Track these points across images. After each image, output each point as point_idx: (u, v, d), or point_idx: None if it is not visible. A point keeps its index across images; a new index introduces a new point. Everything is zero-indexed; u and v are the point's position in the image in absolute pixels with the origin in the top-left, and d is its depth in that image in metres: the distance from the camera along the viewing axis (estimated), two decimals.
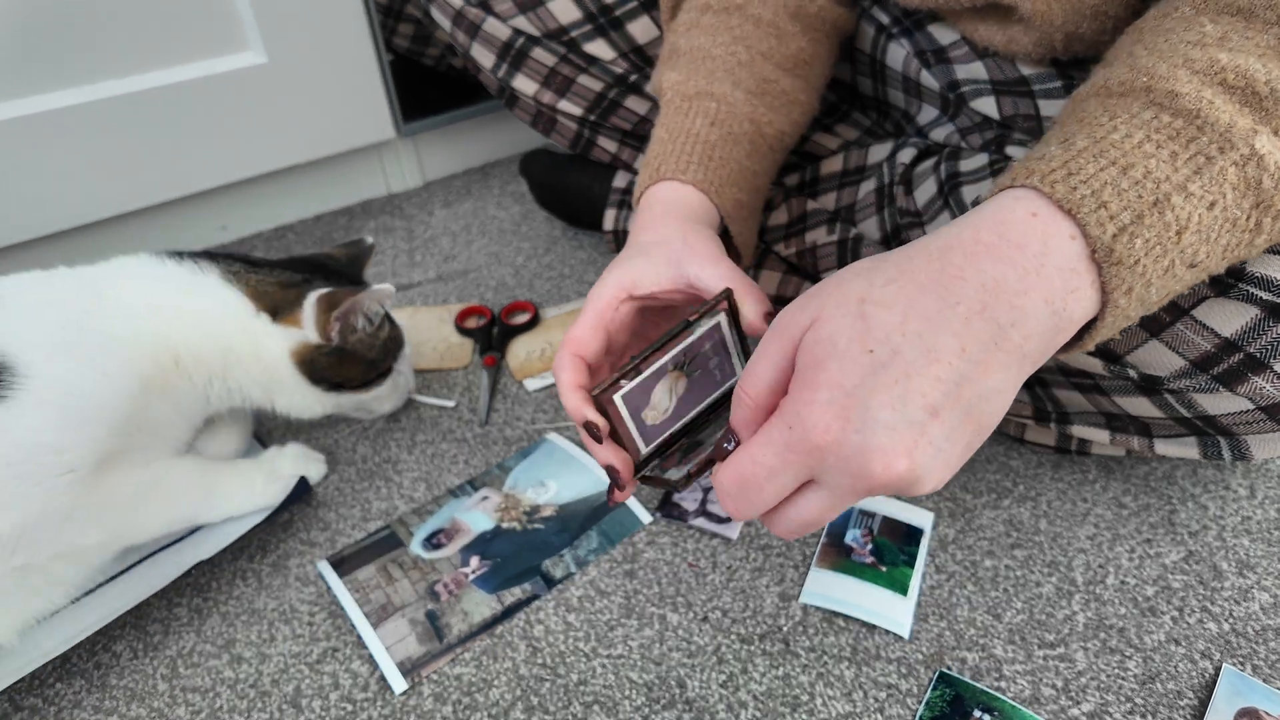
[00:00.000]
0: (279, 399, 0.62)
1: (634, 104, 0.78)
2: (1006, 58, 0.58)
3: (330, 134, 1.00)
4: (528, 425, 0.72)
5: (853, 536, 0.58)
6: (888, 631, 0.53)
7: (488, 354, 0.78)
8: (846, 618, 0.54)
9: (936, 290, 0.32)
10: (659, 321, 0.49)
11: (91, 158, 0.86)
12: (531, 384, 0.76)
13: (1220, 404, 0.45)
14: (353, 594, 0.57)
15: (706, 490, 0.63)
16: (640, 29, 0.74)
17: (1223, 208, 0.33)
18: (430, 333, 0.83)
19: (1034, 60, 0.56)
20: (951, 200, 0.60)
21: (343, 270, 0.67)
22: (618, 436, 0.41)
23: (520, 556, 0.59)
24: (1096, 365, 0.48)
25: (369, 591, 0.57)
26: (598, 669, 0.52)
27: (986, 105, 0.59)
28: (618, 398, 0.40)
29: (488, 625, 0.55)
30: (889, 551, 0.57)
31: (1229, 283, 0.40)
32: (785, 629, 0.53)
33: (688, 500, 0.62)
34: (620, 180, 0.87)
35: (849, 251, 0.68)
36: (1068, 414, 0.57)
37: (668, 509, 0.62)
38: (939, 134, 0.66)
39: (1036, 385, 0.56)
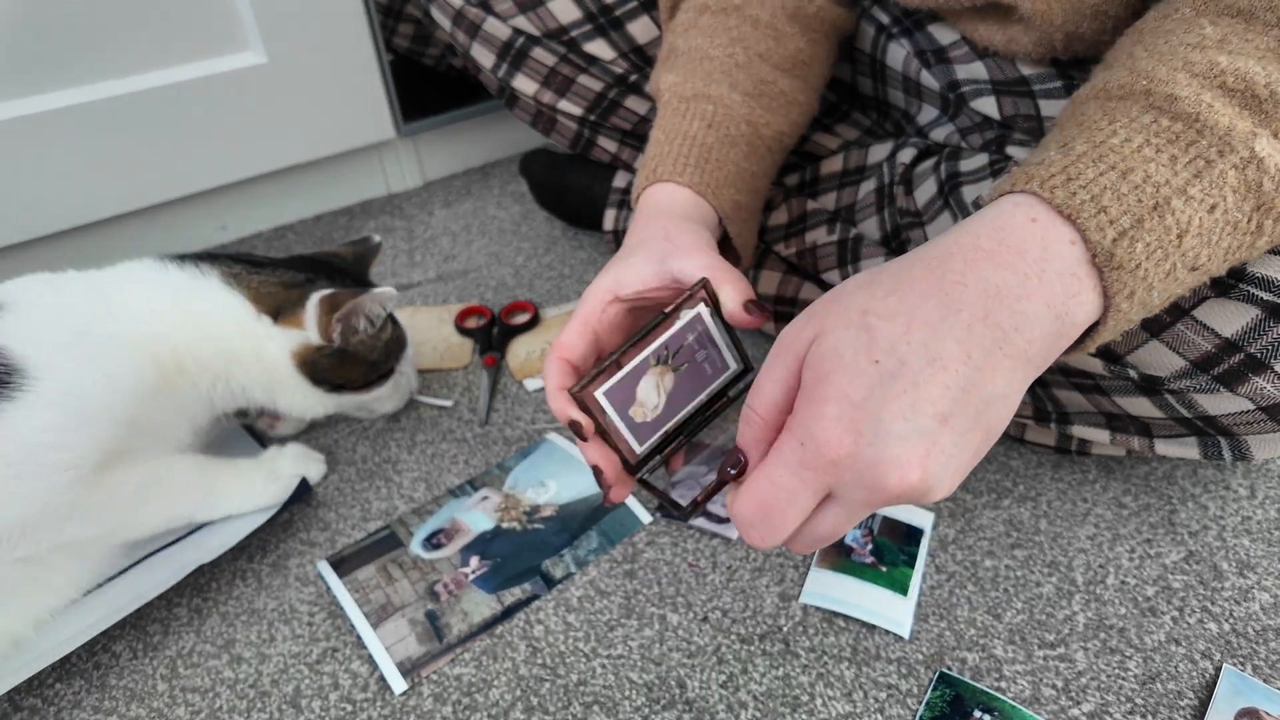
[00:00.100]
0: (281, 400, 0.62)
1: (634, 104, 0.78)
2: (1006, 58, 0.58)
3: (330, 134, 1.00)
4: (528, 425, 0.72)
5: (853, 536, 0.58)
6: (888, 632, 0.53)
7: (488, 354, 0.78)
8: (846, 618, 0.54)
9: (938, 298, 0.32)
10: None
11: (91, 158, 0.86)
12: (531, 384, 0.76)
13: (1221, 404, 0.45)
14: (352, 594, 0.57)
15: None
16: (640, 29, 0.74)
17: (1223, 210, 0.33)
18: (430, 333, 0.83)
19: (1034, 60, 0.56)
20: (952, 200, 0.60)
21: (348, 269, 0.67)
22: (608, 437, 0.41)
23: (520, 556, 0.59)
24: (1097, 365, 0.48)
25: (369, 591, 0.57)
26: (598, 669, 0.52)
27: (987, 105, 0.59)
28: (599, 395, 0.39)
29: (488, 625, 0.55)
30: (889, 551, 0.57)
31: (1229, 283, 0.40)
32: (785, 629, 0.53)
33: (687, 499, 0.62)
34: (620, 180, 0.87)
35: (849, 251, 0.68)
36: (1068, 414, 0.57)
37: (667, 509, 0.62)
38: (939, 134, 0.66)
39: (1037, 385, 0.56)
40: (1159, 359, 0.44)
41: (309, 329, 0.60)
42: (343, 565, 0.59)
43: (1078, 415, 0.57)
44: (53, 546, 0.50)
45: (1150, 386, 0.47)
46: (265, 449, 0.65)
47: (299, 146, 0.99)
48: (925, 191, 0.63)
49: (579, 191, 0.91)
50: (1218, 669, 0.50)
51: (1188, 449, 0.51)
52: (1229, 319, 0.41)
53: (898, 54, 0.65)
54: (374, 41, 0.97)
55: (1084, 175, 0.33)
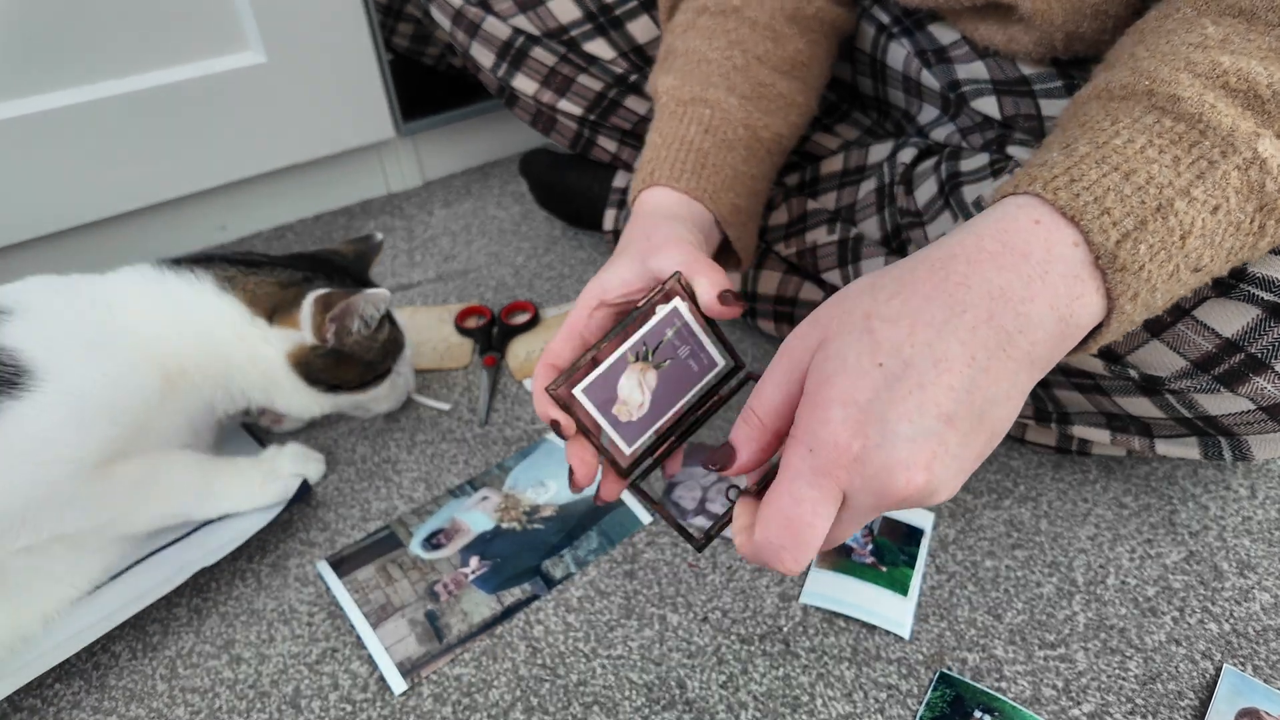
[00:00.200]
0: (278, 400, 0.63)
1: (634, 104, 0.78)
2: (1007, 57, 0.58)
3: (330, 134, 1.00)
4: (527, 425, 0.71)
5: (853, 536, 0.58)
6: (888, 632, 0.53)
7: (487, 354, 0.78)
8: (847, 618, 0.54)
9: (941, 299, 0.32)
10: None
11: (91, 158, 0.86)
12: (531, 384, 0.76)
13: (1221, 404, 0.45)
14: (352, 594, 0.57)
15: (706, 488, 0.63)
16: (640, 28, 0.73)
17: (1226, 212, 0.33)
18: (430, 333, 0.83)
19: (1034, 60, 0.56)
20: (952, 200, 0.60)
21: (348, 267, 0.67)
22: (592, 437, 0.40)
23: (520, 556, 0.59)
24: (1097, 365, 0.48)
25: (368, 592, 0.57)
26: (598, 669, 0.52)
27: (987, 105, 0.59)
28: (578, 392, 0.39)
29: (487, 625, 0.55)
30: (889, 552, 0.57)
31: (1230, 283, 0.39)
32: (785, 629, 0.53)
33: (687, 500, 0.62)
34: (620, 180, 0.87)
35: (849, 251, 0.68)
36: (1068, 414, 0.57)
37: (667, 508, 0.62)
38: (939, 134, 0.66)
39: (1038, 386, 0.56)
40: (1160, 359, 0.44)
41: (304, 329, 0.60)
42: (342, 565, 0.59)
43: (1078, 415, 0.57)
44: (53, 537, 0.52)
45: (1151, 386, 0.47)
46: (265, 448, 0.65)
47: (299, 146, 0.99)
48: (926, 191, 0.63)
49: (579, 191, 0.91)
50: (1218, 669, 0.49)
51: (1188, 449, 0.51)
52: (1229, 319, 0.40)
53: (898, 54, 0.64)
54: (374, 41, 0.97)
55: (1087, 176, 0.33)
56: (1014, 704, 0.48)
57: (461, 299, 0.88)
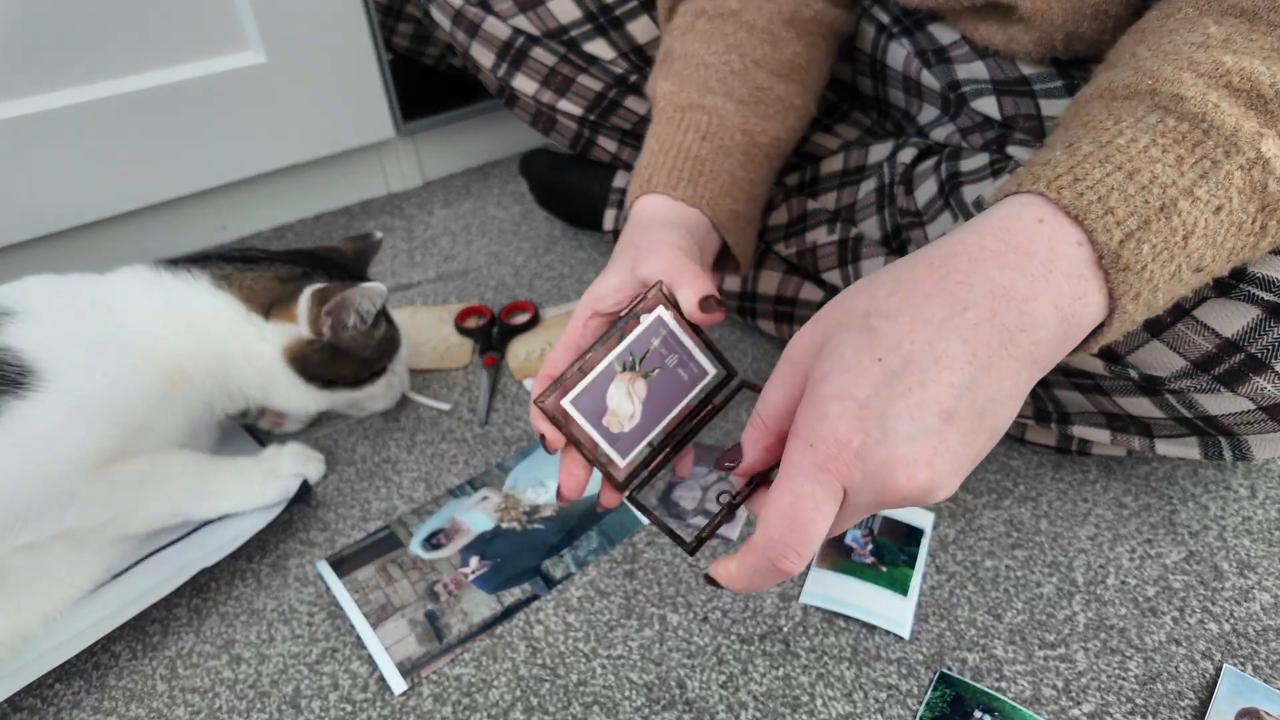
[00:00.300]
0: (274, 397, 0.63)
1: (634, 104, 0.78)
2: (1007, 57, 0.58)
3: (330, 134, 1.00)
4: (527, 425, 0.71)
5: (853, 536, 0.58)
6: (888, 632, 0.53)
7: (487, 354, 0.78)
8: (847, 618, 0.54)
9: (942, 297, 0.32)
10: None
11: (91, 158, 0.86)
12: (531, 384, 0.76)
13: (1221, 404, 0.45)
14: (352, 594, 0.57)
15: (705, 489, 0.63)
16: (640, 29, 0.73)
17: (1229, 212, 0.33)
18: (430, 333, 0.83)
19: (1034, 60, 0.56)
20: (952, 200, 0.60)
21: (347, 265, 0.67)
22: (584, 450, 0.40)
23: (520, 556, 0.59)
24: (1097, 365, 0.48)
25: (368, 592, 0.57)
26: (598, 669, 0.52)
27: (988, 105, 0.59)
28: (566, 404, 0.39)
29: (487, 625, 0.55)
30: (889, 552, 0.57)
31: (1230, 283, 0.39)
32: (785, 629, 0.53)
33: (686, 499, 0.62)
34: (620, 180, 0.87)
35: (849, 251, 0.68)
36: (1068, 414, 0.57)
37: (666, 508, 0.62)
38: (940, 134, 0.66)
39: (1038, 385, 0.56)
40: (1160, 359, 0.44)
41: (300, 322, 0.60)
42: (342, 565, 0.59)
43: (1078, 415, 0.57)
44: (54, 534, 0.52)
45: (1151, 386, 0.47)
46: (265, 448, 0.66)
47: (299, 146, 0.99)
48: (925, 191, 0.63)
49: (579, 191, 0.91)
50: (1218, 669, 0.49)
51: (1188, 449, 0.51)
52: (1230, 319, 0.40)
53: (898, 54, 0.64)
54: (374, 41, 0.97)
55: (1091, 176, 0.32)
56: (1014, 704, 0.48)
57: (461, 299, 0.88)
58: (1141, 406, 0.50)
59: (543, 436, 0.40)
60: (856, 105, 0.76)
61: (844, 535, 0.58)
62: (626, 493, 0.42)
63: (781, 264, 0.73)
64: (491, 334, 0.81)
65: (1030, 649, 0.51)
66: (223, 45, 0.90)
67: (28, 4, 0.78)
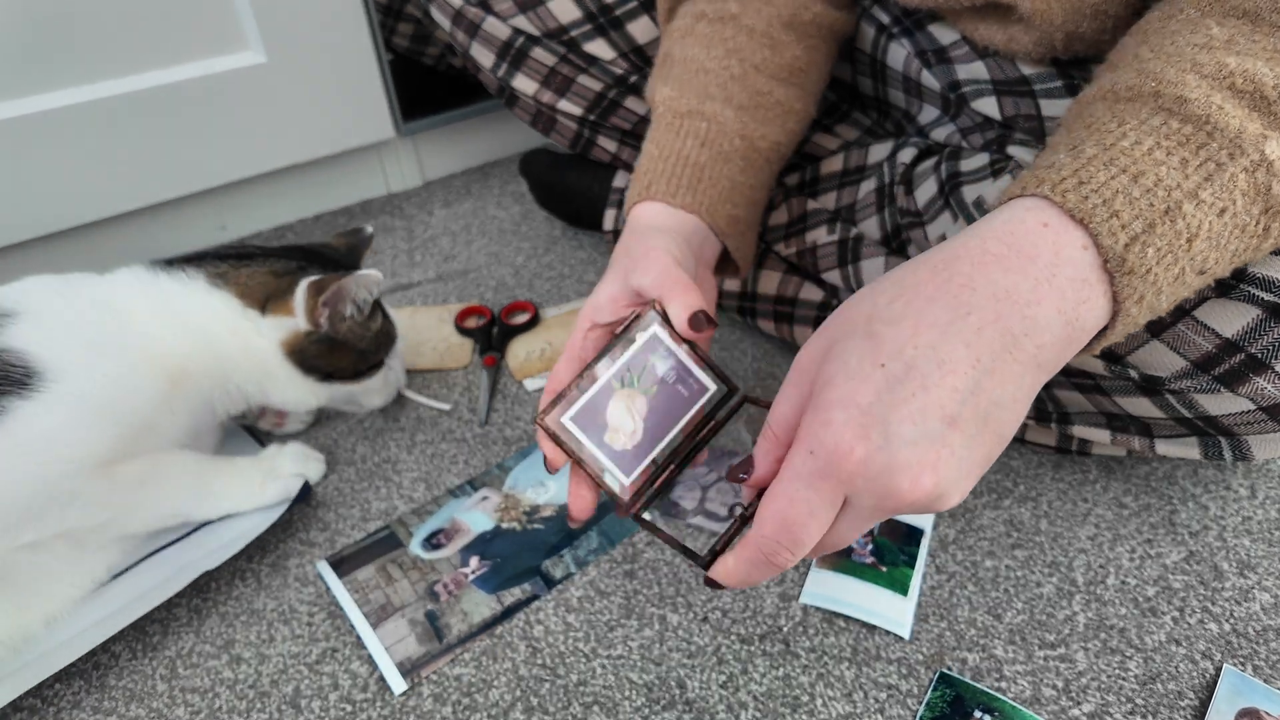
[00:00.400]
0: (273, 392, 0.63)
1: (634, 104, 0.78)
2: (1007, 57, 0.58)
3: (330, 133, 1.00)
4: (527, 425, 0.71)
5: None
6: (888, 632, 0.53)
7: (487, 354, 0.78)
8: (847, 618, 0.54)
9: (945, 301, 0.32)
10: None
11: (91, 158, 0.86)
12: (531, 384, 0.76)
13: (1221, 404, 0.45)
14: (352, 594, 0.57)
15: (706, 489, 0.63)
16: (640, 29, 0.73)
17: (1232, 214, 0.33)
18: (430, 333, 0.83)
19: (1034, 60, 0.56)
20: (952, 200, 0.60)
21: (340, 260, 0.67)
22: (585, 466, 0.40)
23: (520, 556, 0.59)
24: (1098, 365, 0.48)
25: (368, 592, 0.57)
26: (598, 669, 0.52)
27: (988, 105, 0.59)
28: (566, 421, 0.39)
29: (487, 625, 0.55)
30: (889, 551, 0.57)
31: (1230, 284, 0.39)
32: (785, 629, 0.53)
33: (686, 499, 0.62)
34: (620, 180, 0.87)
35: (849, 251, 0.68)
36: (1068, 414, 0.57)
37: (666, 508, 0.62)
38: (940, 134, 0.66)
39: None
40: (1160, 359, 0.44)
41: (298, 315, 0.60)
42: (342, 565, 0.59)
43: (1078, 415, 0.57)
44: (56, 533, 0.52)
45: (1151, 387, 0.47)
46: (265, 448, 0.66)
47: (298, 146, 0.99)
48: (926, 191, 0.63)
49: (579, 191, 0.91)
50: (1218, 669, 0.49)
51: (1188, 449, 0.51)
52: (1230, 319, 0.40)
53: (898, 54, 0.64)
54: (374, 41, 0.97)
55: (1095, 179, 0.32)
56: (1014, 704, 0.48)
57: (461, 299, 0.88)
58: (1141, 406, 0.50)
59: (546, 458, 0.41)
60: (856, 105, 0.76)
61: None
62: (632, 512, 0.42)
63: (781, 264, 0.73)
64: (491, 334, 0.81)
65: (1030, 649, 0.51)
66: (223, 45, 0.89)
67: (28, 4, 0.78)
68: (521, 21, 0.74)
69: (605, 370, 0.40)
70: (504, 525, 0.62)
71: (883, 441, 0.30)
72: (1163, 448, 0.52)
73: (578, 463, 0.40)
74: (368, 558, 0.60)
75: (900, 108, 0.70)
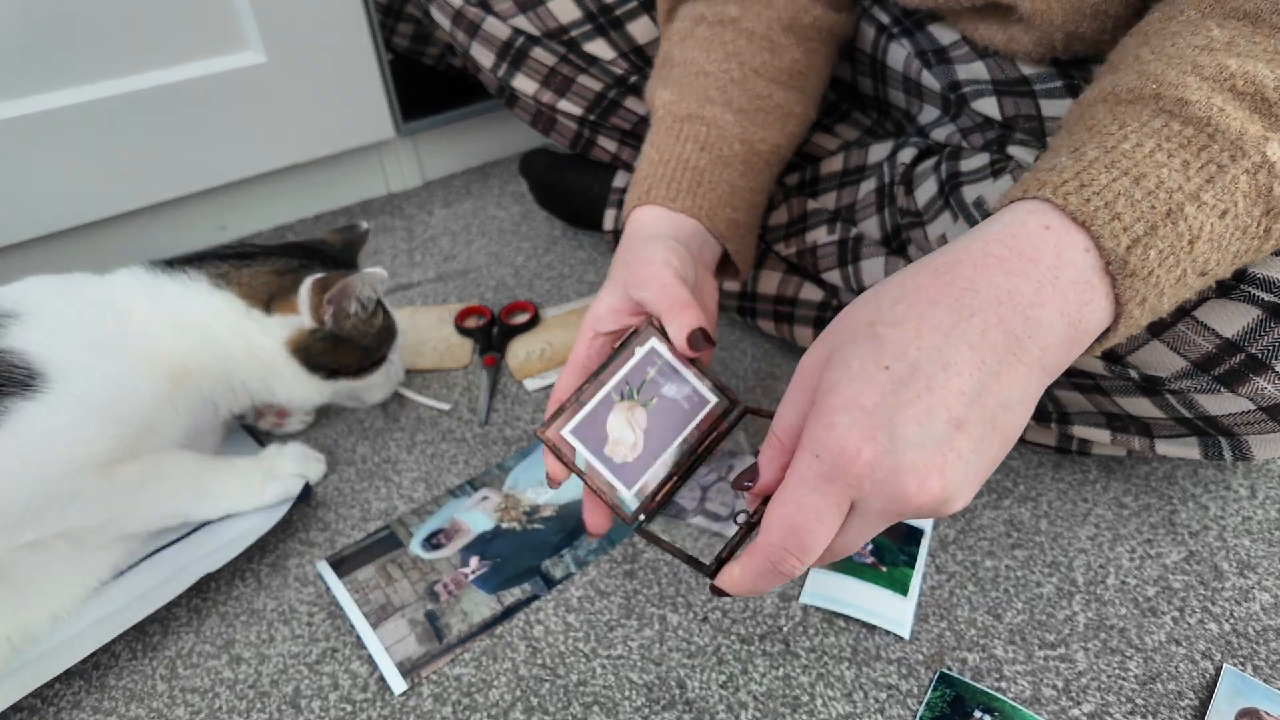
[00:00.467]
0: (278, 390, 0.63)
1: (634, 104, 0.78)
2: (1007, 57, 0.58)
3: (330, 133, 1.00)
4: (528, 425, 0.71)
5: None
6: (888, 632, 0.53)
7: (487, 354, 0.78)
8: (847, 618, 0.54)
9: (948, 303, 0.32)
10: None
11: (91, 158, 0.86)
12: (531, 384, 0.76)
13: (1221, 404, 0.45)
14: (352, 594, 0.57)
15: (705, 489, 0.63)
16: (640, 29, 0.73)
17: (1234, 216, 0.33)
18: (430, 333, 0.83)
19: (1034, 60, 0.56)
20: (952, 200, 0.60)
21: (337, 256, 0.68)
22: (589, 480, 0.40)
23: (520, 556, 0.59)
24: (1098, 366, 0.48)
25: (368, 592, 0.57)
26: (598, 669, 0.52)
27: (988, 106, 0.59)
28: (567, 434, 0.39)
29: (487, 625, 0.55)
30: (889, 552, 0.57)
31: (1231, 284, 0.40)
32: (785, 629, 0.53)
33: (686, 499, 0.62)
34: (620, 180, 0.87)
35: (849, 251, 0.68)
36: (1068, 414, 0.57)
37: (666, 508, 0.62)
38: (940, 134, 0.66)
39: None
40: (1160, 359, 0.44)
41: (302, 313, 0.60)
42: (342, 565, 0.59)
43: (1078, 415, 0.57)
44: (56, 533, 0.52)
45: (1151, 387, 0.47)
46: (265, 449, 0.66)
47: (298, 146, 0.99)
48: (925, 191, 0.63)
49: (579, 191, 0.91)
50: (1218, 669, 0.50)
51: (1189, 449, 0.51)
52: (1230, 319, 0.40)
53: (898, 54, 0.64)
54: (374, 41, 0.97)
55: (1097, 181, 0.32)
56: (1014, 704, 0.48)
57: (461, 299, 0.88)
58: (1141, 406, 0.50)
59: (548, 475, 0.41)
60: (856, 105, 0.76)
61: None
62: (636, 525, 0.42)
63: (781, 264, 0.73)
64: (491, 334, 0.81)
65: (1030, 649, 0.51)
66: (223, 45, 0.89)
67: (28, 4, 0.78)
68: (521, 21, 0.74)
69: (604, 384, 0.40)
70: (504, 525, 0.62)
71: (889, 443, 0.30)
72: (1163, 448, 0.52)
73: (578, 475, 0.40)
74: (368, 558, 0.60)
75: (900, 108, 0.70)
